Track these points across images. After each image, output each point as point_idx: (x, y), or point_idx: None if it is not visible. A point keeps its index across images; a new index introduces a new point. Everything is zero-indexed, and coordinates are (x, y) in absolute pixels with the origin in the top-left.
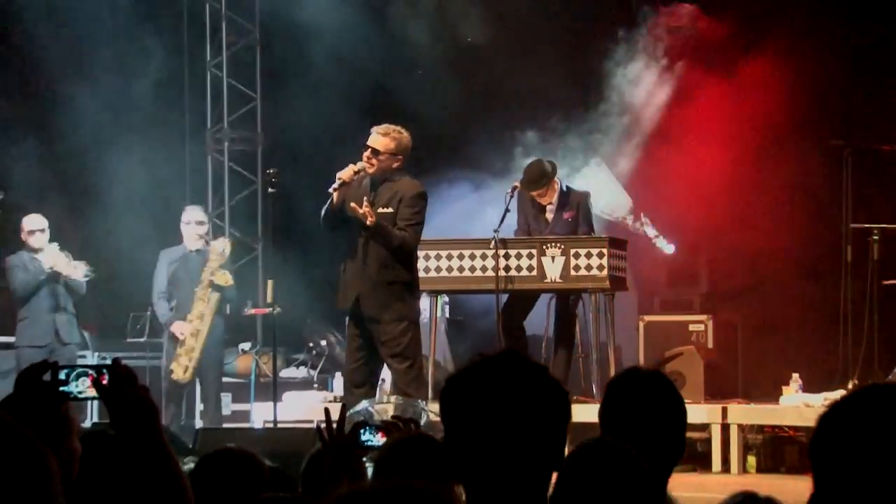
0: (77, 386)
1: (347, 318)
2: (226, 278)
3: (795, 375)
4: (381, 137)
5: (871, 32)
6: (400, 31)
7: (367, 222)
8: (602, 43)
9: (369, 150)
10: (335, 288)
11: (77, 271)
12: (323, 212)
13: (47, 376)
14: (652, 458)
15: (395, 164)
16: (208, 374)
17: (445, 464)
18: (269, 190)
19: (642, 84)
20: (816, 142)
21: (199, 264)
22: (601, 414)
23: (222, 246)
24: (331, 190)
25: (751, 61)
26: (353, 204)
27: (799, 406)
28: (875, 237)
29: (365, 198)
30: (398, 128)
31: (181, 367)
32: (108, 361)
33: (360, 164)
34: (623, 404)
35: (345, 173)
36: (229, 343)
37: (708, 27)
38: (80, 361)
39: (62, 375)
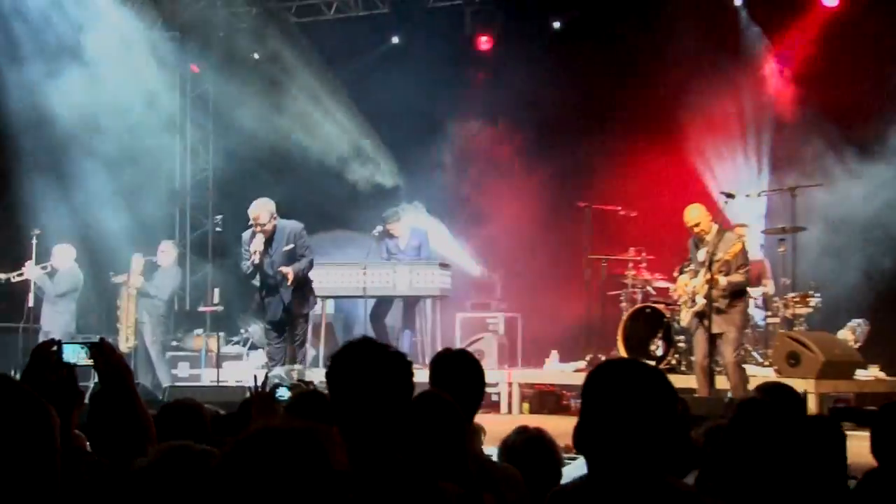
0: (74, 356)
1: (269, 320)
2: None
3: (554, 352)
4: (259, 210)
5: (598, 133)
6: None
7: (290, 280)
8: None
9: (257, 224)
10: (259, 302)
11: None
12: (247, 271)
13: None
14: (463, 404)
15: (274, 220)
16: (153, 348)
17: (329, 410)
18: (217, 229)
19: (461, 171)
20: (570, 203)
21: (166, 276)
22: (430, 377)
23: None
24: (255, 261)
25: (525, 156)
26: (288, 281)
27: (556, 371)
28: (604, 264)
29: (284, 270)
30: (263, 199)
31: (124, 340)
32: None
33: (259, 239)
34: (443, 370)
35: (257, 247)
36: (187, 330)
37: (495, 136)
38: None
39: (65, 349)
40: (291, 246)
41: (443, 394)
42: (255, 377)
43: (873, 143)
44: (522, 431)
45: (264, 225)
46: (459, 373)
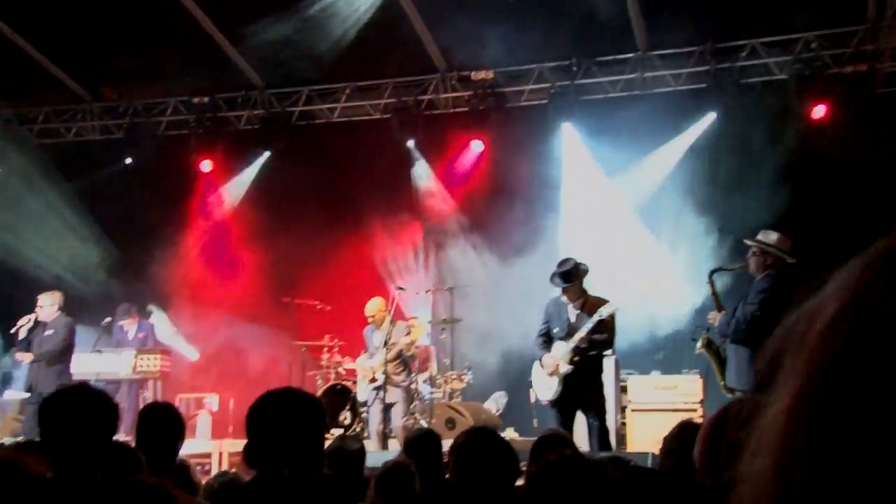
0: None
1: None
2: None
3: None
4: (47, 297)
5: (301, 240)
6: None
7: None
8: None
9: (38, 304)
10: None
11: None
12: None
13: None
14: (165, 449)
15: (53, 308)
16: None
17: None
18: None
19: (185, 273)
20: (277, 298)
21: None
22: (137, 428)
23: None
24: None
25: (240, 259)
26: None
27: None
28: (303, 349)
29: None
30: (55, 291)
31: None
32: None
33: (30, 317)
34: (147, 422)
35: (23, 322)
36: None
37: (216, 243)
38: None
39: None
40: (52, 331)
41: (130, 446)
42: None
43: (511, 254)
44: (219, 476)
45: (42, 308)
46: (161, 424)
